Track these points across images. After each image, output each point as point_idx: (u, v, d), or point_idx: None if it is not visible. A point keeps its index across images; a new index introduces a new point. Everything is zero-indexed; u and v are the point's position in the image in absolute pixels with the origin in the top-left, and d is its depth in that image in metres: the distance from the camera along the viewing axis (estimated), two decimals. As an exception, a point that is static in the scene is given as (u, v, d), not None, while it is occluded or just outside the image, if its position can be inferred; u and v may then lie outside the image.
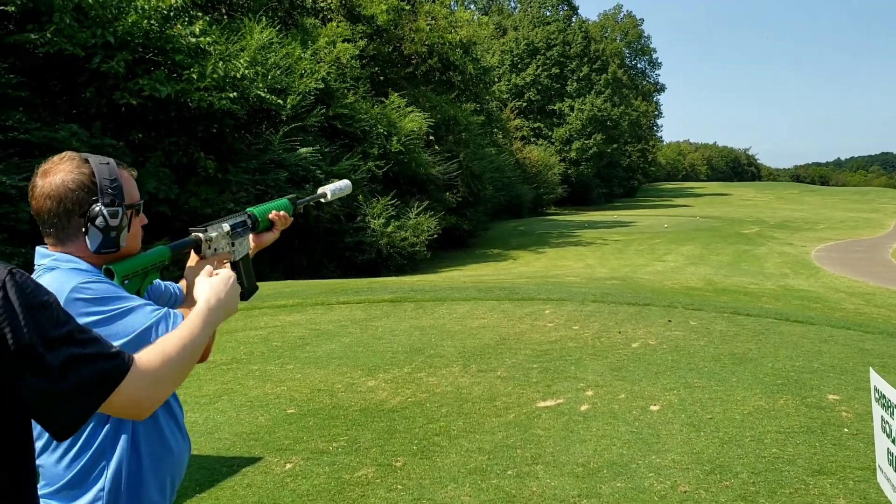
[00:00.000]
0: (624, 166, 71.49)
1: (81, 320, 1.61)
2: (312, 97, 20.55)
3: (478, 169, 31.02)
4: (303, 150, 19.93)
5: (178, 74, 17.88)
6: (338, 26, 23.19)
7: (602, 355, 7.22)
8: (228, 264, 2.03)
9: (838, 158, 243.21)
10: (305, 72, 20.55)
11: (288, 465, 4.63)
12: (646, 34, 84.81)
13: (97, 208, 1.73)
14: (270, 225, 2.22)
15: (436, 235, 25.26)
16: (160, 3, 17.53)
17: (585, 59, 64.08)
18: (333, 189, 2.52)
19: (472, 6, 66.13)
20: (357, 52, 22.96)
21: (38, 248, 1.81)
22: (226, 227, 2.04)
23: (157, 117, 17.78)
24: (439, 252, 28.17)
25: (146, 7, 17.10)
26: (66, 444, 1.72)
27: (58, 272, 1.70)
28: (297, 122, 20.34)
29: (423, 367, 6.94)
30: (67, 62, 16.39)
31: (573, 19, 66.33)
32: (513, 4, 72.55)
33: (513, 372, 6.69)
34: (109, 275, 1.75)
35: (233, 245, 2.06)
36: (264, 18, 21.76)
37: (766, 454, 4.51)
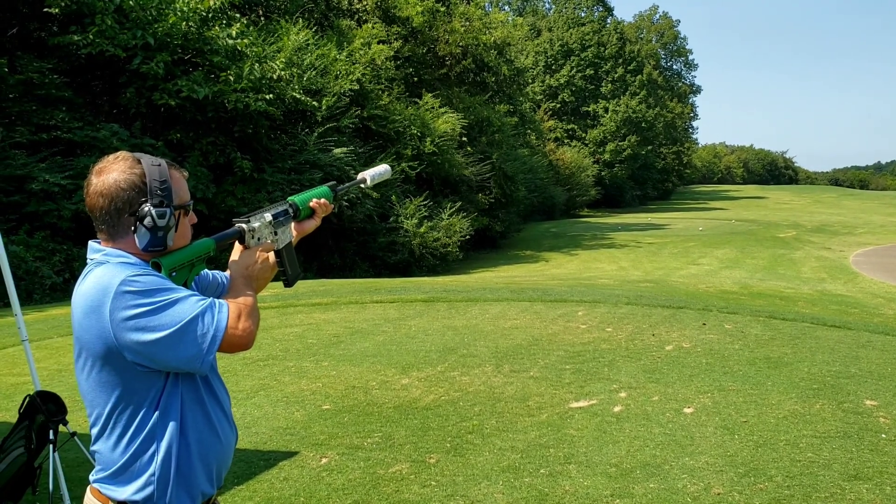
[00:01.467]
0: (658, 168, 70.81)
1: (129, 312, 1.69)
2: (347, 98, 20.71)
3: (510, 170, 30.97)
4: (337, 150, 20.10)
5: (216, 76, 18.16)
6: (373, 27, 23.35)
7: (635, 357, 7.20)
8: (272, 253, 2.09)
9: (878, 162, 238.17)
10: (340, 73, 20.73)
11: (324, 460, 4.71)
12: (682, 35, 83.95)
13: (146, 208, 1.80)
14: (312, 213, 2.27)
15: (468, 236, 25.29)
16: (199, 5, 17.82)
17: (620, 60, 63.65)
18: (373, 174, 2.55)
19: (506, 7, 66.11)
20: (392, 54, 23.10)
21: (91, 243, 1.89)
22: (268, 216, 2.09)
23: (194, 118, 18.08)
24: (471, 253, 28.20)
25: (185, 9, 17.39)
26: (119, 429, 1.79)
27: (108, 266, 1.78)
28: (332, 122, 20.51)
29: (456, 367, 7.00)
30: (109, 63, 16.76)
31: (608, 20, 65.90)
32: (547, 6, 72.32)
33: (545, 372, 6.71)
34: (157, 268, 1.82)
35: (276, 234, 2.11)
36: (301, 20, 21.99)
37: (801, 458, 4.48)
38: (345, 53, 21.36)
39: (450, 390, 6.24)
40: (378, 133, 21.81)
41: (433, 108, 24.66)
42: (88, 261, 1.86)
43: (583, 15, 65.40)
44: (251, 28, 19.87)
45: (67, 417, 4.15)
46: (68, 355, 8.44)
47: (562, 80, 62.77)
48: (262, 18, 22.65)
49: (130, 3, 16.52)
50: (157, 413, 1.80)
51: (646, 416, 5.43)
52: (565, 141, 60.53)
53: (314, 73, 20.17)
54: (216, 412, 1.93)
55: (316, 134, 20.13)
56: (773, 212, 55.34)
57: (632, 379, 6.42)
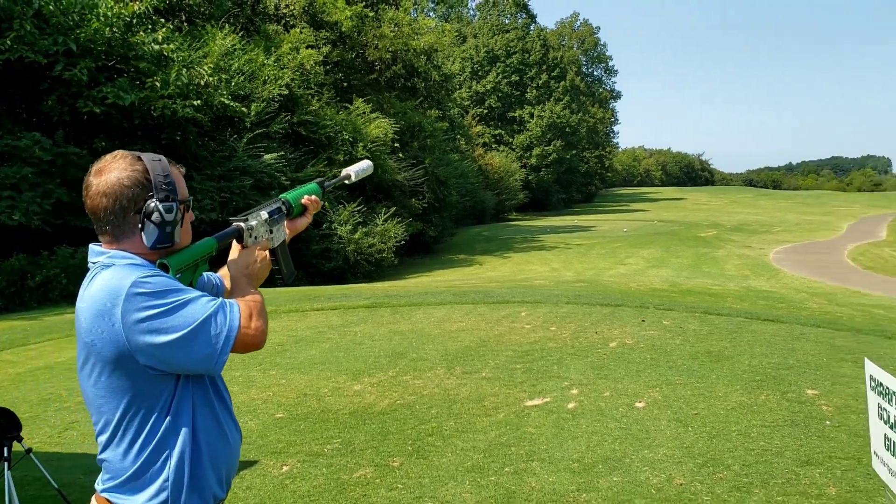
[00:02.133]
0: (582, 172, 72.31)
1: (142, 314, 1.65)
2: (276, 104, 20.41)
3: (443, 175, 31.09)
4: (267, 156, 19.79)
5: (142, 82, 17.63)
6: (301, 32, 23.08)
7: (582, 355, 7.34)
8: (268, 252, 2.07)
9: (790, 163, 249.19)
10: (269, 78, 20.42)
11: (285, 468, 4.64)
12: (602, 42, 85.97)
13: (152, 204, 1.76)
14: (303, 210, 2.25)
15: (403, 242, 25.26)
16: (122, 11, 17.28)
17: (544, 66, 64.71)
18: (357, 170, 2.55)
19: (431, 14, 66.42)
20: (321, 59, 22.89)
21: (92, 246, 1.83)
22: (264, 214, 2.07)
23: (120, 125, 17.50)
24: (406, 258, 28.16)
25: (108, 14, 16.84)
26: (129, 436, 1.75)
27: (115, 269, 1.73)
28: (262, 128, 20.18)
29: (408, 371, 6.99)
30: (29, 70, 16.07)
31: (531, 27, 66.93)
32: (472, 13, 73.02)
33: (497, 373, 6.78)
34: (164, 269, 1.78)
35: (271, 232, 2.10)
36: (227, 25, 21.57)
37: (755, 447, 4.65)
38: (272, 58, 21.05)
39: (404, 394, 6.23)
40: (309, 138, 21.57)
41: (364, 113, 24.56)
42: (90, 265, 1.81)
43: (507, 22, 66.20)
44: (176, 34, 19.39)
45: (23, 433, 3.98)
46: (19, 367, 8.12)
47: (488, 86, 63.41)
48: (186, 24, 22.13)
49: (50, 7, 15.89)
50: (168, 418, 1.76)
51: (600, 411, 5.54)
52: (493, 146, 61.15)
53: (242, 78, 19.80)
54: (224, 414, 1.91)
55: (245, 140, 19.77)
56: (693, 212, 57.15)
57: (581, 376, 6.54)
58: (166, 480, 1.75)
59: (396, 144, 25.76)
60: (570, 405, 5.72)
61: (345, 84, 26.28)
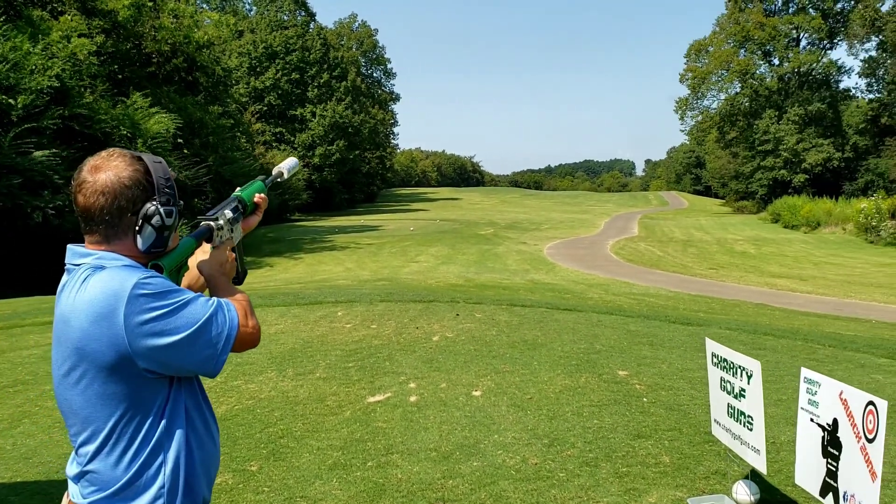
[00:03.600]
0: (364, 172, 73.13)
1: (146, 316, 1.59)
2: (47, 96, 18.52)
3: (227, 173, 29.98)
4: (38, 153, 17.91)
5: None
6: (71, 20, 21.12)
7: (409, 350, 7.55)
8: (230, 250, 2.02)
9: (549, 165, 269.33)
10: (37, 68, 18.49)
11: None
12: (381, 45, 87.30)
13: (153, 207, 1.69)
14: (255, 208, 2.21)
15: (186, 243, 23.98)
16: None
17: (325, 65, 64.50)
18: (288, 167, 2.52)
19: (204, 6, 63.55)
20: (94, 48, 21.10)
21: (73, 247, 1.71)
22: (228, 213, 2.02)
23: None
24: (189, 261, 26.78)
25: None
26: (123, 444, 1.65)
27: (111, 270, 1.63)
28: (30, 122, 18.21)
29: (237, 376, 6.78)
30: None
31: (311, 25, 66.41)
32: (248, 7, 70.87)
33: (331, 372, 6.79)
34: (158, 269, 1.71)
35: (232, 231, 2.05)
36: (-21, 6, 19.23)
37: (591, 425, 5.12)
38: (40, 46, 19.08)
39: (241, 399, 6.06)
40: (83, 134, 19.83)
41: (143, 107, 23.03)
42: (72, 266, 1.68)
43: (286, 18, 65.15)
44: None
45: None
46: None
47: (267, 83, 61.97)
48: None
49: None
50: (163, 422, 1.69)
51: (442, 402, 5.77)
52: (275, 144, 59.94)
53: (6, 66, 17.74)
54: (209, 414, 1.85)
55: (11, 135, 17.73)
56: (469, 211, 59.96)
57: (415, 370, 6.74)
58: (162, 487, 1.68)
59: (179, 141, 24.45)
60: (413, 398, 5.89)
61: (119, 77, 24.44)
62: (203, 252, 1.97)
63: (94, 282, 1.62)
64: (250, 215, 2.20)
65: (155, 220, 1.70)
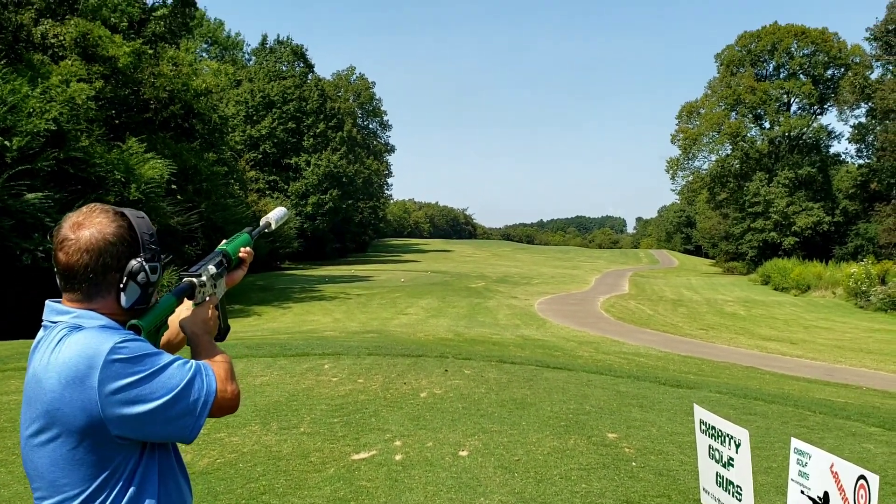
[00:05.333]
0: (357, 222, 73.34)
1: (120, 382, 1.55)
2: (42, 139, 18.60)
3: (219, 220, 29.99)
4: (30, 195, 17.89)
5: None
6: (72, 65, 21.35)
7: (396, 406, 7.45)
8: (214, 307, 1.99)
9: (541, 220, 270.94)
10: (34, 111, 18.60)
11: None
12: (377, 97, 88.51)
13: (138, 264, 1.65)
14: (240, 262, 2.18)
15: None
16: None
17: (322, 115, 65.18)
18: (276, 218, 2.50)
19: (204, 55, 64.44)
20: (93, 93, 21.29)
21: (51, 304, 1.67)
22: (212, 268, 1.99)
23: None
24: (177, 307, 26.58)
25: None
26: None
27: (88, 332, 1.59)
28: (25, 164, 18.23)
29: (220, 428, 6.66)
30: None
31: (309, 76, 67.32)
32: (247, 56, 71.91)
33: (316, 427, 6.68)
34: (136, 330, 1.67)
35: (215, 286, 2.01)
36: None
37: (578, 489, 5.03)
38: (39, 90, 19.24)
39: (223, 452, 5.94)
40: (77, 177, 19.85)
41: (138, 153, 23.12)
42: (48, 324, 1.64)
43: (284, 69, 66.06)
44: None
45: None
46: None
47: (263, 132, 62.48)
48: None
49: None
50: (133, 488, 1.63)
51: (428, 462, 5.67)
52: (268, 192, 60.13)
53: (4, 108, 17.84)
54: (184, 479, 1.80)
55: (5, 176, 17.73)
56: (461, 264, 59.99)
57: (401, 427, 6.64)
58: None
59: (173, 187, 24.50)
60: (398, 457, 5.79)
61: (116, 121, 24.60)
62: (185, 308, 1.93)
63: (70, 343, 1.59)
64: (235, 269, 2.16)
65: (140, 276, 1.67)
